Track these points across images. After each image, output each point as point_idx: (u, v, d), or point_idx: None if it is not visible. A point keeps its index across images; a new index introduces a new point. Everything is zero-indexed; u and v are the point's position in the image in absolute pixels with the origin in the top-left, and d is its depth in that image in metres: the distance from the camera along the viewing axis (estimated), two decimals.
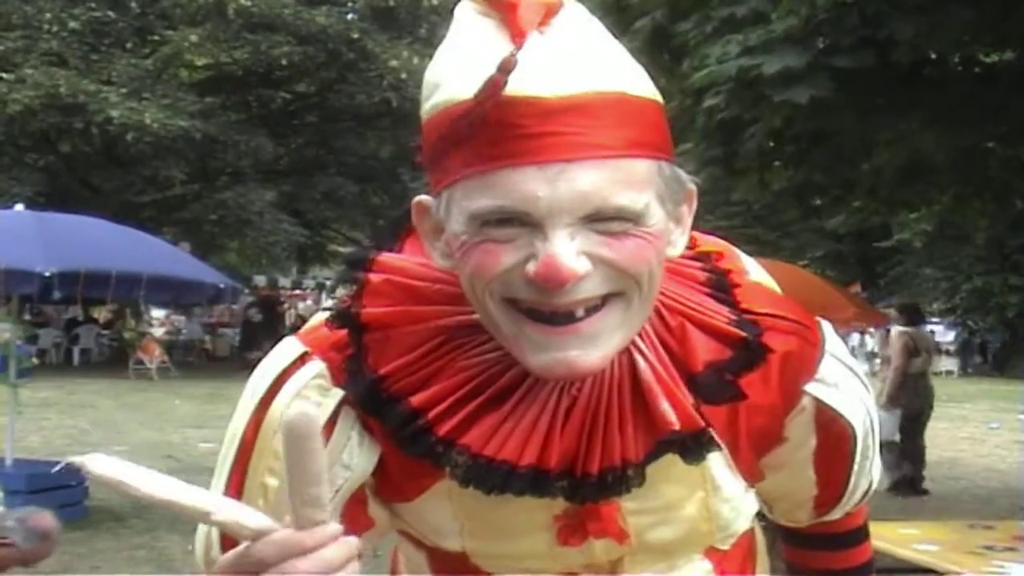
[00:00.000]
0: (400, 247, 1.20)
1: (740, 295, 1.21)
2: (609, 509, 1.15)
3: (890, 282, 36.51)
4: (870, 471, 1.35)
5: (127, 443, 11.70)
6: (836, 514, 1.38)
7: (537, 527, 1.16)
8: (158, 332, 25.25)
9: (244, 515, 0.94)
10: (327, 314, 1.17)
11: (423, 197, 1.11)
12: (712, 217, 32.41)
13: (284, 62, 23.16)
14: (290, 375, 1.14)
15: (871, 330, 27.67)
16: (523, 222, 1.01)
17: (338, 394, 1.13)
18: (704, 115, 7.06)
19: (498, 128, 1.00)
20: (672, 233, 1.10)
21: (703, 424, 1.12)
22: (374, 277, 1.15)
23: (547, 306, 1.02)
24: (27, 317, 19.60)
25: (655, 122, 1.06)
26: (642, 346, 1.12)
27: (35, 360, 17.74)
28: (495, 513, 1.14)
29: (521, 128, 0.99)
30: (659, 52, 8.04)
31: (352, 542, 0.93)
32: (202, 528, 1.16)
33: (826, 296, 10.15)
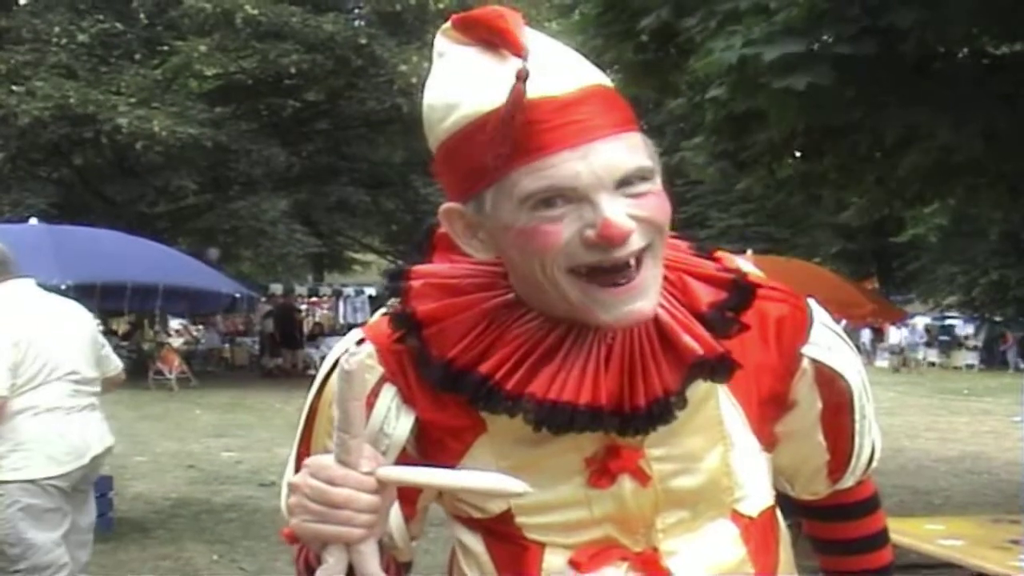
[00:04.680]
0: (428, 259, 1.40)
1: (721, 259, 1.42)
2: (632, 451, 1.32)
3: (906, 277, 36.39)
4: (871, 432, 1.51)
5: (149, 454, 11.75)
6: (849, 481, 1.53)
7: (571, 471, 1.32)
8: (177, 342, 25.31)
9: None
10: (385, 310, 1.37)
11: (450, 204, 1.29)
12: (726, 215, 32.37)
13: (293, 70, 23.16)
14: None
15: (891, 325, 27.52)
16: (568, 199, 1.21)
17: (380, 371, 1.33)
18: (710, 107, 7.05)
19: (527, 126, 1.20)
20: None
21: (721, 349, 1.30)
22: (414, 283, 1.36)
23: (608, 261, 1.22)
24: None
25: (625, 104, 1.28)
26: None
27: None
28: (534, 460, 1.31)
29: (546, 122, 1.20)
30: (665, 49, 8.05)
31: (369, 490, 1.17)
32: (283, 481, 1.36)
33: (843, 293, 10.12)
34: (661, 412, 1.28)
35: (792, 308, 1.43)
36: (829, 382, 1.44)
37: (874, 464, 1.55)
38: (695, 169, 9.31)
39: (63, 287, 9.30)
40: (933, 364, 31.75)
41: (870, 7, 6.20)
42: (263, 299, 23.99)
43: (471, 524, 1.39)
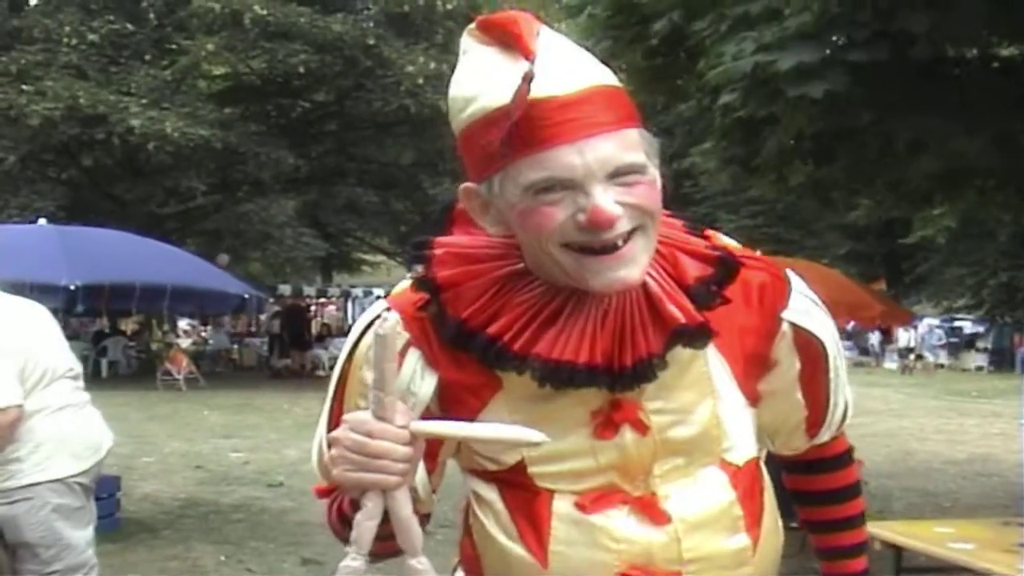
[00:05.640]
0: (449, 231, 1.56)
1: (710, 236, 1.58)
2: (631, 404, 1.47)
3: (916, 279, 36.30)
4: (843, 390, 1.67)
5: (157, 454, 11.76)
6: (825, 435, 1.68)
7: (578, 423, 1.47)
8: (185, 343, 25.34)
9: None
10: (408, 281, 1.54)
11: (468, 184, 1.47)
12: (735, 217, 32.35)
13: (301, 70, 23.15)
14: (373, 324, 1.47)
15: (900, 327, 27.43)
16: (564, 186, 1.37)
17: (406, 336, 1.47)
18: (720, 113, 7.05)
19: (531, 122, 1.36)
20: (659, 181, 1.45)
21: (701, 319, 1.46)
22: (436, 251, 1.52)
23: (597, 242, 1.38)
24: None
25: (626, 102, 1.43)
26: (650, 271, 1.46)
27: None
28: (545, 414, 1.45)
29: (548, 119, 1.36)
30: (675, 52, 8.04)
31: (404, 439, 1.34)
32: (315, 440, 1.56)
33: (852, 294, 10.09)
34: (644, 371, 1.44)
35: (772, 277, 1.58)
36: (806, 344, 1.59)
37: (847, 421, 1.70)
38: (706, 174, 9.30)
39: (72, 287, 9.35)
40: (942, 366, 31.68)
41: (881, 11, 6.19)
42: (271, 300, 24.02)
43: (485, 476, 1.53)
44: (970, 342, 33.63)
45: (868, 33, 6.22)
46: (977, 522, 6.03)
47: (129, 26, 23.96)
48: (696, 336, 1.47)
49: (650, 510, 1.48)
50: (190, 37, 23.59)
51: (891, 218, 22.39)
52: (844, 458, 1.76)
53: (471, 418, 1.46)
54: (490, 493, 1.53)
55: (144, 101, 22.22)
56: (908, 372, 29.62)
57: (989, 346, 32.88)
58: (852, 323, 21.28)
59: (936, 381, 26.66)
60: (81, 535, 4.21)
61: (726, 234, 1.62)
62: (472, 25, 1.47)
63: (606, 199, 1.36)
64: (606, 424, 1.47)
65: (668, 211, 1.51)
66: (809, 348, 1.60)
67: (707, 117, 7.98)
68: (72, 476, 4.18)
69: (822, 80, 6.07)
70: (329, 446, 1.46)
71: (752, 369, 1.56)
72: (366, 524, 1.35)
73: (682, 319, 1.45)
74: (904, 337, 31.27)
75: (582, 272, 1.40)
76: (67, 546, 4.13)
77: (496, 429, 1.39)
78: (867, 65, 6.14)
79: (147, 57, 24.85)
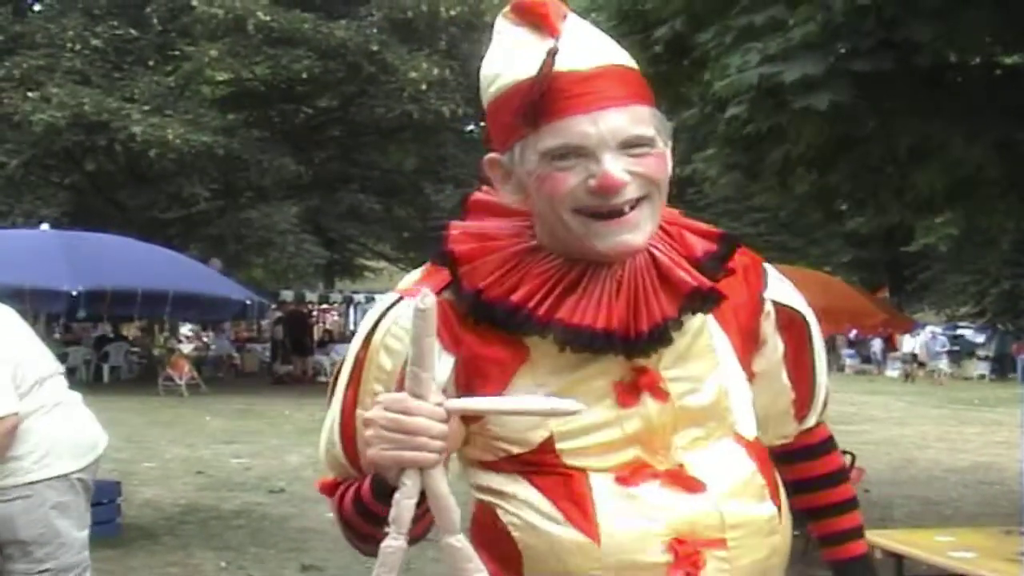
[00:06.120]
0: (465, 219, 1.65)
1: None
2: (651, 372, 1.55)
3: (918, 287, 36.28)
4: (824, 372, 1.80)
5: (158, 460, 11.75)
6: (812, 419, 1.80)
7: (602, 394, 1.53)
8: (187, 348, 25.33)
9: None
10: (416, 273, 1.62)
11: (492, 154, 1.58)
12: (738, 224, 32.33)
13: (305, 76, 23.19)
14: (389, 312, 1.57)
15: (906, 334, 27.34)
16: (578, 154, 1.48)
17: None
18: (726, 124, 7.04)
19: (551, 93, 1.48)
20: (668, 157, 1.57)
21: (710, 283, 1.57)
22: (453, 232, 1.60)
23: (605, 207, 1.49)
24: (56, 336, 19.65)
25: (641, 81, 1.56)
26: (657, 245, 1.58)
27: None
28: (570, 386, 1.51)
29: (567, 91, 1.48)
30: (679, 60, 8.04)
31: (440, 416, 1.38)
32: (324, 429, 1.60)
33: (854, 302, 10.09)
34: (660, 335, 1.53)
35: (752, 260, 1.71)
36: (789, 323, 1.71)
37: (827, 407, 1.83)
38: (709, 181, 9.29)
39: (74, 293, 9.35)
40: (944, 374, 31.63)
41: (885, 21, 6.19)
42: (273, 306, 24.00)
43: (508, 467, 1.55)
44: (972, 350, 33.56)
45: (872, 42, 6.21)
46: (979, 531, 6.02)
47: (132, 31, 23.99)
48: (708, 299, 1.56)
49: (683, 480, 1.52)
50: (193, 43, 23.61)
51: (893, 226, 22.34)
52: (828, 444, 1.86)
53: (499, 392, 1.51)
54: (516, 486, 1.53)
55: (146, 107, 22.24)
56: (910, 380, 29.58)
57: (991, 354, 32.83)
58: (854, 331, 21.30)
59: (938, 389, 26.63)
60: (79, 536, 4.20)
61: None
62: (506, 8, 1.59)
63: (616, 166, 1.47)
64: (629, 391, 1.53)
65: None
66: (792, 327, 1.72)
67: (710, 124, 7.98)
68: (73, 472, 4.17)
69: (826, 90, 6.07)
70: (343, 434, 1.56)
71: (747, 344, 1.66)
72: (405, 503, 1.36)
73: (693, 282, 1.55)
74: (909, 343, 31.16)
75: (589, 236, 1.50)
76: (63, 544, 4.12)
77: (530, 401, 1.44)
78: (871, 74, 6.14)
79: (150, 63, 24.88)
